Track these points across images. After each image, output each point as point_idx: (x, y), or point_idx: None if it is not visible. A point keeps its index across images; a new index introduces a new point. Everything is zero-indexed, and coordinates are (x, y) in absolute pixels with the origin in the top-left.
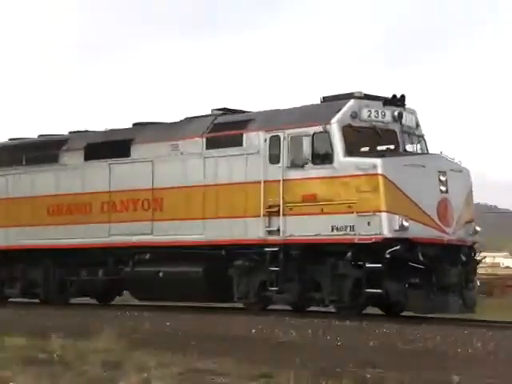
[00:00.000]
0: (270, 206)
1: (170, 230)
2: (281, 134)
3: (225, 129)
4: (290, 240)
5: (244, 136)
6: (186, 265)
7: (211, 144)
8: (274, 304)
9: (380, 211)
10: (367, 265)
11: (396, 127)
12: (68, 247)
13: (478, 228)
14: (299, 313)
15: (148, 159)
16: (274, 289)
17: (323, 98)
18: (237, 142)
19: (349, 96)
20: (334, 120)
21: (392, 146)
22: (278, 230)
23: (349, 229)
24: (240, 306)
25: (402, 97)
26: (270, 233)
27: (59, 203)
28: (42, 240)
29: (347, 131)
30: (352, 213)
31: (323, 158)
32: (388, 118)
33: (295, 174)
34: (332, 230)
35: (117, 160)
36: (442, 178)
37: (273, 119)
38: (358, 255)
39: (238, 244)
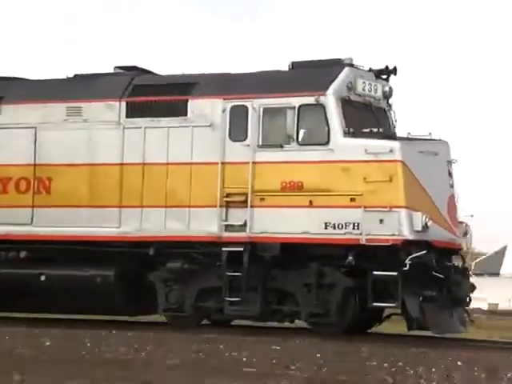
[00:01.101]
0: (228, 195)
1: (61, 219)
2: (248, 103)
3: (156, 92)
4: (260, 238)
5: (189, 103)
6: (89, 266)
7: (135, 111)
8: (217, 318)
9: (398, 207)
10: (374, 272)
11: (385, 105)
12: None
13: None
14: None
15: (28, 125)
16: (231, 299)
17: (292, 63)
18: (177, 110)
19: (336, 63)
20: (330, 90)
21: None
22: (243, 225)
23: (351, 227)
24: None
25: (395, 69)
26: (227, 228)
27: None
28: None
29: (345, 105)
30: (357, 207)
31: (314, 136)
32: (379, 93)
33: (270, 156)
34: (326, 227)
35: None
36: (451, 170)
37: (232, 84)
38: (358, 260)
39: (171, 241)
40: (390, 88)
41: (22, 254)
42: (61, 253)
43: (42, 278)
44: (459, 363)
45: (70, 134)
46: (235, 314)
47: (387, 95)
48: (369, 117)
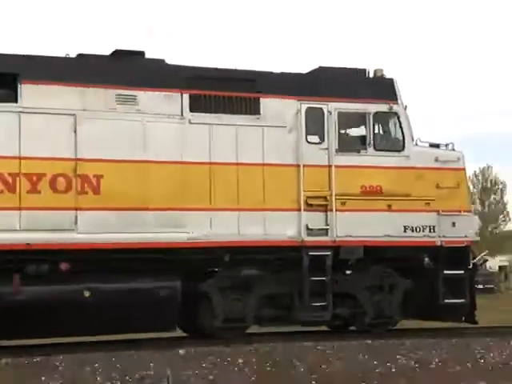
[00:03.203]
0: (307, 198)
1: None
2: (323, 106)
3: (219, 87)
4: (344, 242)
5: (261, 101)
6: (144, 278)
7: (200, 104)
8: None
9: (467, 211)
10: (445, 272)
11: None
12: None
13: None
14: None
15: (61, 111)
16: (319, 304)
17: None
18: (250, 108)
19: (377, 73)
20: (400, 100)
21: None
22: (325, 228)
23: (428, 230)
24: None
25: None
26: (310, 232)
27: None
28: None
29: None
30: (431, 211)
31: (389, 143)
32: None
33: (348, 160)
34: (405, 230)
35: None
36: None
37: (307, 85)
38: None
39: (251, 246)
40: None
41: (64, 265)
42: (109, 263)
43: (87, 293)
44: None
45: (119, 124)
46: (308, 320)
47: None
48: None
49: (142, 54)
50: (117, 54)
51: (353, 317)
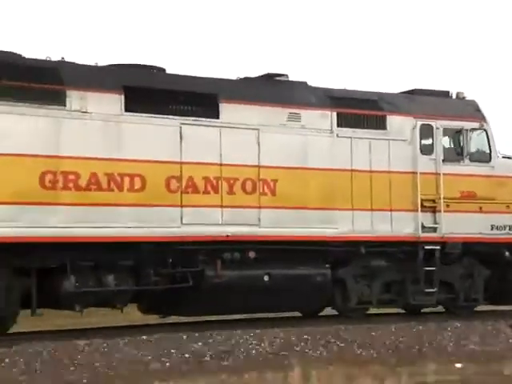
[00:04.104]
0: (422, 201)
1: (288, 221)
2: (433, 123)
3: (358, 105)
4: (449, 238)
5: (387, 118)
6: (305, 265)
7: (344, 121)
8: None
9: None
10: None
11: None
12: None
13: None
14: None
15: (250, 126)
16: (431, 290)
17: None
18: (378, 123)
19: (459, 95)
20: (487, 119)
21: None
22: (434, 227)
23: (508, 228)
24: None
25: None
26: (425, 229)
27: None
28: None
29: None
30: (510, 213)
31: (480, 155)
32: None
33: (451, 169)
34: (492, 229)
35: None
36: None
37: (419, 105)
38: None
39: (382, 241)
40: None
41: (251, 254)
42: (281, 253)
43: (266, 278)
44: None
45: (284, 137)
46: (421, 304)
47: None
48: None
49: (286, 75)
50: (266, 76)
51: (448, 301)
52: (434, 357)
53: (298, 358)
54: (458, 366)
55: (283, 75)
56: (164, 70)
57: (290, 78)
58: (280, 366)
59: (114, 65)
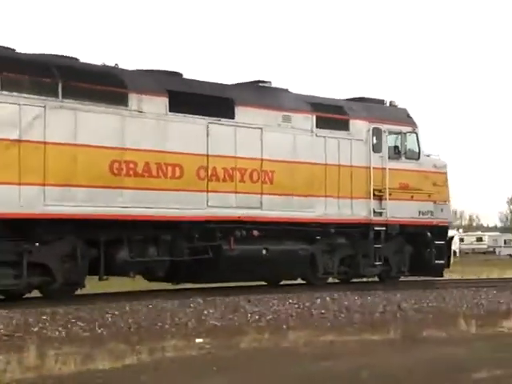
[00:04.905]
0: (373, 190)
1: (281, 205)
2: (381, 127)
3: (330, 110)
4: (390, 221)
5: (350, 122)
6: (292, 242)
7: (320, 123)
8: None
9: (448, 201)
10: (436, 242)
11: None
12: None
13: None
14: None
15: (256, 126)
16: (378, 263)
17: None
18: (344, 126)
19: (392, 103)
20: (416, 123)
21: None
22: (381, 212)
23: (430, 214)
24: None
25: None
26: (375, 214)
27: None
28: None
29: None
30: (431, 201)
31: (412, 154)
32: None
33: (393, 164)
34: (419, 214)
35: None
36: None
37: (372, 111)
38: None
39: (344, 223)
40: None
41: (255, 232)
42: (275, 231)
43: (264, 251)
44: None
45: (277, 135)
46: (369, 274)
47: None
48: None
49: (270, 82)
50: (255, 82)
51: (383, 272)
52: (174, 333)
53: (35, 339)
54: (199, 341)
55: (267, 82)
56: (181, 74)
57: (273, 85)
58: (16, 348)
59: (151, 70)
